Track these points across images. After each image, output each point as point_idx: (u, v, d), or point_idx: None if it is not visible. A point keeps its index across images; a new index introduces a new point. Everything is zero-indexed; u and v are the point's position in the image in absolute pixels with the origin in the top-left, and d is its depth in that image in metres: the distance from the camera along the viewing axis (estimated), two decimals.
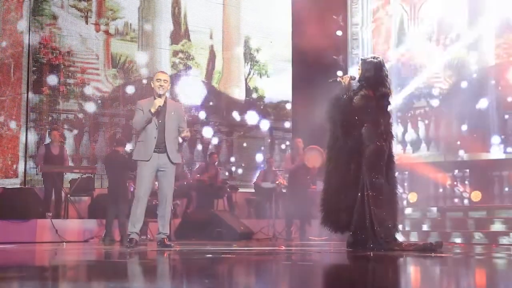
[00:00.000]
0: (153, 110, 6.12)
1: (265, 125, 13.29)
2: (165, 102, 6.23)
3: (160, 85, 6.21)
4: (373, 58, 5.79)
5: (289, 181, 10.39)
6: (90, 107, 11.05)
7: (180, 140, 6.20)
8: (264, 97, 13.36)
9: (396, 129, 12.65)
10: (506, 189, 10.79)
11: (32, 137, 10.42)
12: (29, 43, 10.58)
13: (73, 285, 3.11)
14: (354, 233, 5.52)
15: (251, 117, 13.13)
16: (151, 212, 7.41)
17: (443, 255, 5.04)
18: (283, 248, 6.63)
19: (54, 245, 7.58)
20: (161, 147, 6.17)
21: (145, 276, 3.64)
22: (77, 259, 5.37)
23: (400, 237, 5.97)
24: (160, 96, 6.18)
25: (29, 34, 10.59)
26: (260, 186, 11.40)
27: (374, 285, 3.01)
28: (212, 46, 12.83)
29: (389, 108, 5.67)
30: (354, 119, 5.45)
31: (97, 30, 11.33)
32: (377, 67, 5.59)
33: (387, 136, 5.55)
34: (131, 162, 9.04)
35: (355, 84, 5.68)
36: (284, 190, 11.35)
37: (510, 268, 4.34)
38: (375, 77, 5.55)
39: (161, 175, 6.23)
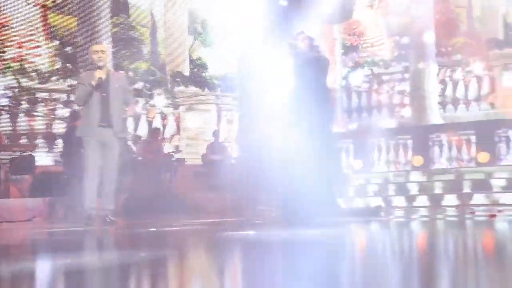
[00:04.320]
0: (93, 83, 5.92)
1: (211, 96, 13.21)
2: (108, 74, 6.06)
3: (99, 57, 6.00)
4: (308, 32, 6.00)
5: (241, 153, 10.43)
6: (28, 83, 10.70)
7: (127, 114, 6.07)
8: (209, 67, 13.24)
9: (341, 97, 12.81)
10: (447, 153, 11.13)
11: None
12: None
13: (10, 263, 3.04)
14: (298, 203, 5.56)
15: (197, 89, 13.02)
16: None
17: (383, 219, 5.17)
18: (233, 219, 6.67)
19: None
20: (106, 122, 6.00)
21: (84, 251, 3.60)
22: (19, 238, 5.26)
23: (343, 204, 6.08)
24: (100, 67, 6.00)
25: None
26: (208, 158, 11.38)
27: (316, 251, 3.06)
28: (153, 18, 12.60)
29: None
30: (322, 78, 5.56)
31: (35, 4, 10.94)
32: (314, 39, 5.79)
33: None
34: None
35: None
36: (233, 162, 11.37)
37: (447, 228, 4.49)
38: (319, 47, 5.70)
39: (106, 150, 6.06)
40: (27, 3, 10.87)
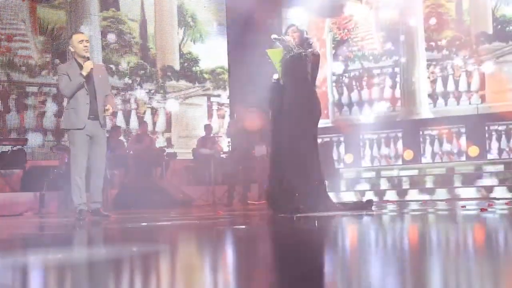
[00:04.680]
0: (84, 73, 5.82)
1: (201, 91, 13.19)
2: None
3: (85, 46, 5.92)
4: (301, 26, 5.98)
5: (232, 147, 10.48)
6: (18, 77, 10.62)
7: (108, 113, 5.97)
8: (200, 62, 13.21)
9: (332, 92, 12.83)
10: (437, 147, 11.20)
11: None
12: None
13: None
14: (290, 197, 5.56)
15: (187, 83, 12.99)
16: None
17: (374, 213, 5.19)
18: (221, 213, 6.66)
19: None
20: (94, 114, 5.93)
21: (76, 246, 3.59)
22: (11, 232, 5.23)
23: (333, 197, 6.10)
24: (88, 58, 5.93)
25: None
26: (199, 153, 11.38)
27: (304, 245, 3.07)
28: (143, 12, 12.53)
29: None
30: (309, 77, 5.53)
31: None
32: (307, 32, 5.78)
33: None
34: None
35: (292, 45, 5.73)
36: (222, 156, 11.38)
37: (438, 222, 4.51)
38: (311, 40, 5.70)
39: (95, 143, 5.99)
40: None
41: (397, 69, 12.15)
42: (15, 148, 9.24)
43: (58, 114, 10.49)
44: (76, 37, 6.04)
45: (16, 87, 10.59)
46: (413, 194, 8.84)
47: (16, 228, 5.85)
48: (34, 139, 10.45)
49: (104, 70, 6.33)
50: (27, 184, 9.12)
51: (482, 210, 5.02)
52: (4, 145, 9.33)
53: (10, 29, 10.65)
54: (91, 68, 5.86)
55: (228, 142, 11.32)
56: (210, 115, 13.27)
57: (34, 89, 10.75)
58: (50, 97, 10.85)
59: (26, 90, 10.66)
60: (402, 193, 9.12)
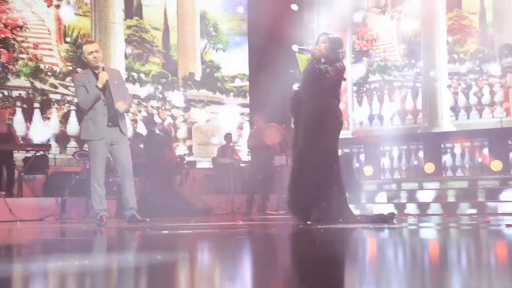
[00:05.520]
0: (100, 85, 5.88)
1: (222, 100, 13.24)
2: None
3: (94, 57, 5.94)
4: (335, 35, 5.86)
5: (252, 157, 10.51)
6: (42, 84, 10.76)
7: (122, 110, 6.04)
8: (221, 71, 13.27)
9: (352, 103, 12.79)
10: (459, 160, 11.09)
11: None
12: None
13: (29, 262, 3.06)
14: (314, 208, 5.55)
15: (208, 92, 13.05)
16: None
17: (395, 226, 5.15)
18: (240, 223, 6.67)
19: (8, 224, 7.44)
20: (112, 122, 6.00)
21: (99, 252, 3.62)
22: (34, 237, 5.29)
23: (354, 210, 6.07)
24: (102, 68, 5.96)
25: None
26: (219, 162, 11.42)
27: (326, 257, 3.06)
28: (166, 21, 12.64)
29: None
30: (327, 90, 5.48)
31: (49, 5, 10.99)
32: (341, 43, 5.71)
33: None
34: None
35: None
36: (242, 165, 11.40)
37: (460, 237, 4.47)
38: (342, 53, 5.65)
39: (117, 149, 6.05)
40: (48, 6, 10.95)
41: (418, 81, 12.09)
42: (38, 154, 9.36)
43: (81, 121, 10.61)
44: (86, 48, 6.05)
45: (40, 94, 10.73)
46: (435, 208, 8.74)
47: (38, 233, 5.91)
48: (57, 145, 10.58)
49: (119, 75, 6.36)
50: (49, 190, 9.22)
51: (508, 226, 4.95)
52: (27, 150, 9.46)
53: (36, 37, 10.81)
54: (106, 80, 5.91)
55: (248, 152, 11.34)
56: (230, 124, 13.31)
57: (58, 96, 10.89)
58: (73, 104, 10.97)
59: (50, 97, 10.80)
60: (423, 206, 9.03)
